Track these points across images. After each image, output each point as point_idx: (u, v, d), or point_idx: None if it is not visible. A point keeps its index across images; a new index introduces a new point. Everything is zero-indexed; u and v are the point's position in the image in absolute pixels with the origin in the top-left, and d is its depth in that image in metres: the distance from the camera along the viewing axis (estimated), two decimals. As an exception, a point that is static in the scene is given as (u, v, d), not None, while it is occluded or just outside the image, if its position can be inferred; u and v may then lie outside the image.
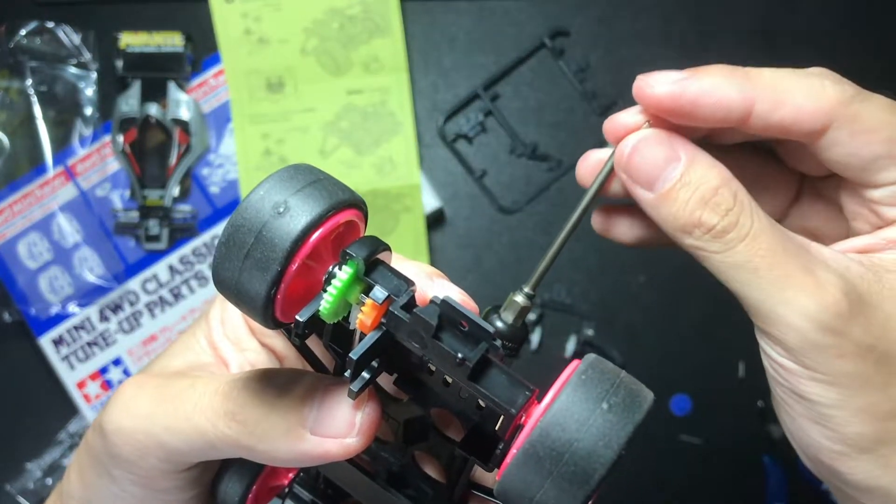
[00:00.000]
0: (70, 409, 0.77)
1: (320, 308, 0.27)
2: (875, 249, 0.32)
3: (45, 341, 0.76)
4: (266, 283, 0.26)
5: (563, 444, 0.24)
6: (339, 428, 0.29)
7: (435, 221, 0.78)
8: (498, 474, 0.27)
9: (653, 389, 0.31)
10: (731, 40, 0.79)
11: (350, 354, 0.26)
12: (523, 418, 0.27)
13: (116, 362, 0.76)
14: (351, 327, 0.28)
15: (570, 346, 0.77)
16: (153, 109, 0.75)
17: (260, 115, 0.77)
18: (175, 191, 0.76)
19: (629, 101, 0.35)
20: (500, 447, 0.28)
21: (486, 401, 0.27)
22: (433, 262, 0.77)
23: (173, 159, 0.76)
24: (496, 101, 0.79)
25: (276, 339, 0.35)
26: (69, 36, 0.77)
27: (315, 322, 0.28)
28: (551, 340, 0.78)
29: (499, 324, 0.32)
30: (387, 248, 0.28)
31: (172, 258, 0.77)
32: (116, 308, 0.77)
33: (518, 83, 0.79)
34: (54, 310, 0.76)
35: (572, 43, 0.79)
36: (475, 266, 0.78)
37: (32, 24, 0.77)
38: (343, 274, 0.27)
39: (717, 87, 0.34)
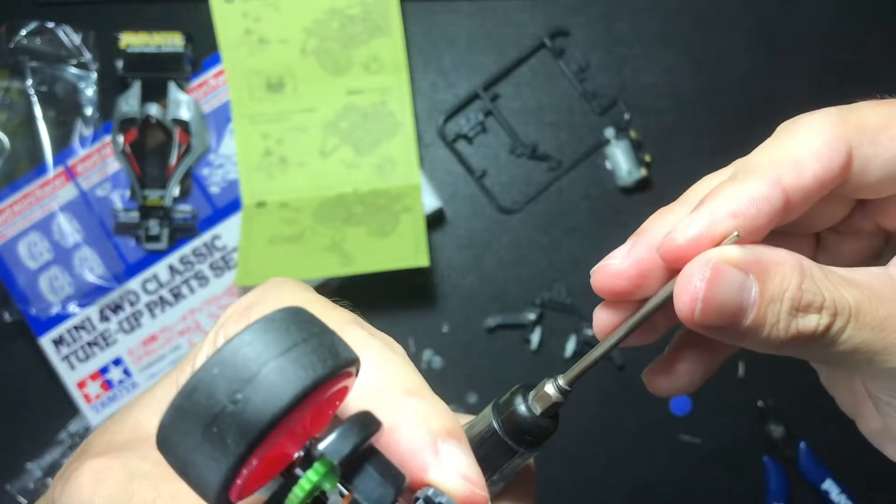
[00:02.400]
0: (70, 409, 0.77)
1: (286, 502, 0.22)
2: None
3: (46, 341, 0.76)
4: (221, 474, 0.21)
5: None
6: None
7: (435, 221, 0.78)
8: None
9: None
10: (732, 40, 0.79)
11: None
12: None
13: (117, 362, 0.76)
14: None
15: (570, 346, 0.77)
16: (153, 109, 0.76)
17: (260, 115, 0.77)
18: (175, 191, 0.76)
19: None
20: None
21: None
22: (433, 262, 0.77)
23: (173, 159, 0.76)
24: (496, 101, 0.79)
25: None
26: (69, 36, 0.77)
27: None
28: (551, 340, 0.78)
29: (522, 409, 0.30)
30: (379, 426, 0.23)
31: (173, 258, 0.77)
32: (117, 308, 0.77)
33: (518, 83, 0.79)
34: (55, 310, 0.76)
35: (572, 43, 0.79)
36: (475, 266, 0.78)
37: (33, 25, 0.77)
38: (311, 476, 0.22)
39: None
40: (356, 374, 0.24)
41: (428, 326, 0.78)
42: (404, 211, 0.75)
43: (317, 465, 0.22)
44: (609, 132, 0.77)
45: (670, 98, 0.79)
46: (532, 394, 0.30)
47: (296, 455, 0.23)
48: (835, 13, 0.79)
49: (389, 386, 0.26)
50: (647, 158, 0.77)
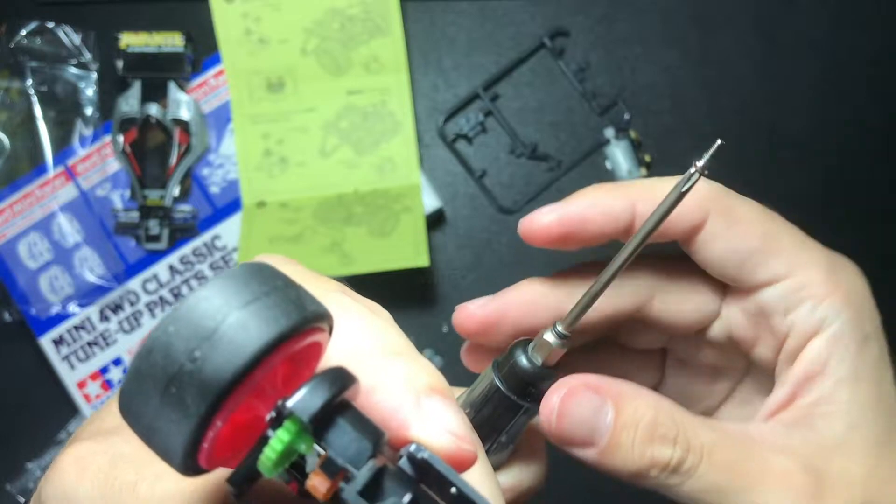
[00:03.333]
0: (70, 409, 0.77)
1: (258, 464, 0.21)
2: (792, 399, 0.31)
3: (46, 341, 0.76)
4: (184, 437, 0.19)
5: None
6: None
7: (435, 221, 0.78)
8: None
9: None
10: (732, 40, 0.79)
11: None
12: None
13: (117, 362, 0.77)
14: (307, 468, 0.21)
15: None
16: (153, 109, 0.76)
17: (260, 115, 0.77)
18: (175, 191, 0.76)
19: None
20: None
21: None
22: (433, 262, 0.77)
23: (173, 159, 0.76)
24: (496, 101, 0.79)
25: None
26: (69, 36, 0.77)
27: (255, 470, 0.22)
28: (551, 340, 0.78)
29: (523, 361, 0.29)
30: (353, 380, 0.22)
31: (173, 258, 0.77)
32: (117, 308, 0.77)
33: (518, 83, 0.79)
34: (55, 310, 0.76)
35: (572, 43, 0.79)
36: (475, 266, 0.78)
37: (33, 25, 0.77)
38: (281, 436, 0.20)
39: (599, 199, 0.33)
40: (329, 332, 0.22)
41: (428, 326, 0.78)
42: (404, 211, 0.75)
43: (286, 423, 0.20)
44: (609, 132, 0.77)
45: (670, 98, 0.79)
46: (531, 345, 0.30)
47: (267, 417, 0.21)
48: (835, 13, 0.79)
49: (371, 348, 0.25)
50: (647, 158, 0.77)
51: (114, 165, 0.77)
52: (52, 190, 0.76)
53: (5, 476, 0.77)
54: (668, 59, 0.79)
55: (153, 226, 0.76)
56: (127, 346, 0.77)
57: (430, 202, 0.76)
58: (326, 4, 0.77)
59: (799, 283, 0.32)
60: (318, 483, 0.21)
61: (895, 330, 0.82)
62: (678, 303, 0.34)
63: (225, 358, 0.19)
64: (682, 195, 0.29)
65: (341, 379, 0.21)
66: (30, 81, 0.77)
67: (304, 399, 0.20)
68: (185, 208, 0.77)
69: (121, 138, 0.76)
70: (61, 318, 0.76)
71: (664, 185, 0.32)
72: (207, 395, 0.19)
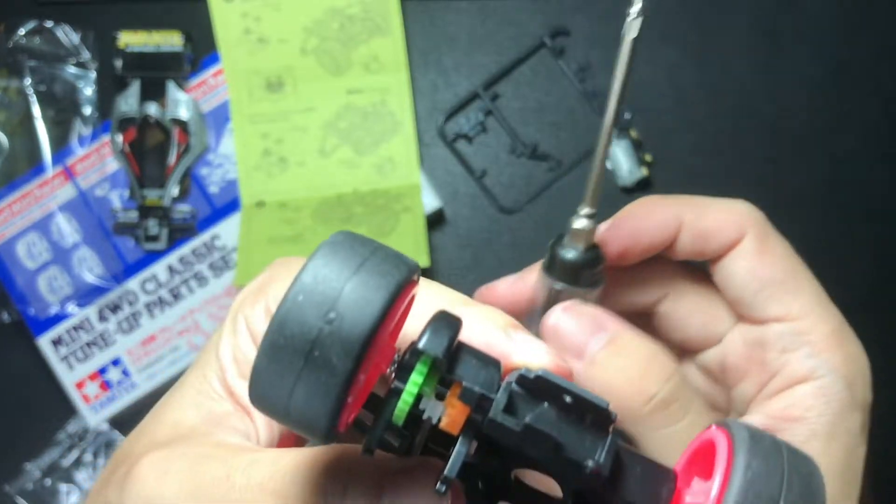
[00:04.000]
0: (69, 410, 0.77)
1: (392, 417, 0.22)
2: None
3: (44, 341, 0.76)
4: (334, 395, 0.20)
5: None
6: None
7: (435, 221, 0.78)
8: None
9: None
10: (732, 39, 0.79)
11: (446, 473, 0.21)
12: None
13: (115, 362, 0.76)
14: (424, 416, 0.23)
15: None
16: (152, 109, 0.75)
17: (259, 114, 0.77)
18: (174, 191, 0.76)
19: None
20: None
21: (640, 489, 0.22)
22: (433, 262, 0.77)
23: (172, 159, 0.76)
24: (496, 101, 0.78)
25: None
26: (68, 35, 0.77)
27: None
28: (551, 341, 0.77)
29: (570, 255, 0.31)
30: (461, 320, 0.23)
31: (172, 258, 0.76)
32: (115, 308, 0.76)
33: (518, 83, 0.79)
34: (53, 310, 0.76)
35: (573, 42, 0.79)
36: (475, 266, 0.78)
37: (31, 24, 0.76)
38: (416, 378, 0.22)
39: (651, 208, 0.35)
40: (418, 282, 0.23)
41: (428, 327, 0.77)
42: (404, 211, 0.74)
43: (419, 365, 0.22)
44: (609, 132, 0.77)
45: (671, 98, 0.79)
46: (565, 239, 0.31)
47: (390, 369, 0.22)
48: (835, 13, 0.79)
49: (448, 299, 0.28)
50: (648, 158, 0.77)
51: (112, 165, 0.77)
52: (50, 190, 0.76)
53: (3, 477, 0.76)
54: (669, 59, 0.79)
55: (152, 226, 0.76)
56: (126, 347, 0.76)
57: (430, 202, 0.76)
58: (326, 4, 0.77)
59: (805, 328, 0.32)
60: (455, 414, 0.22)
61: (892, 329, 0.81)
62: (687, 313, 0.34)
63: (359, 313, 0.20)
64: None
65: (454, 319, 0.23)
66: (28, 81, 0.76)
67: (431, 339, 0.22)
68: (183, 208, 0.76)
69: (119, 138, 0.76)
70: (60, 318, 0.76)
71: (711, 200, 0.34)
72: (351, 350, 0.20)
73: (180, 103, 0.76)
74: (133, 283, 0.76)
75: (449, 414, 0.22)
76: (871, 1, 0.80)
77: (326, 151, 0.78)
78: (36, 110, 0.76)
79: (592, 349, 0.30)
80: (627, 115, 0.78)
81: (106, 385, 0.76)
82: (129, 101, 0.76)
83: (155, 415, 0.31)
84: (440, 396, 0.22)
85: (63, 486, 0.76)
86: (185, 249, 0.77)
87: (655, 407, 0.29)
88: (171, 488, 0.26)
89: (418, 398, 0.22)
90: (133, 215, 0.76)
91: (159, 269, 0.77)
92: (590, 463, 0.22)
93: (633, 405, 0.30)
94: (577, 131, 0.79)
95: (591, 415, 0.22)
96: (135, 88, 0.76)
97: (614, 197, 0.78)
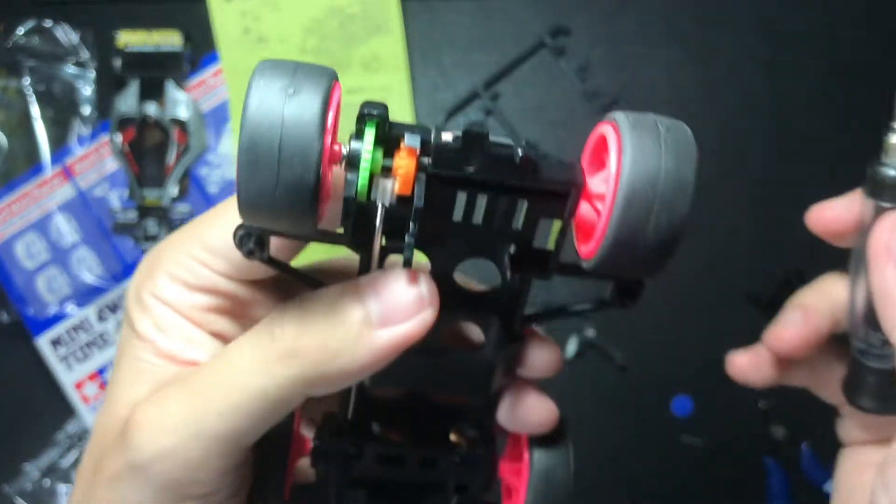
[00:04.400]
0: (68, 410, 0.77)
1: (358, 183, 0.25)
2: None
3: (43, 341, 0.76)
4: (310, 169, 0.23)
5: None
6: (408, 307, 0.27)
7: (435, 221, 0.78)
8: (589, 252, 0.26)
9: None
10: (733, 39, 0.79)
11: (415, 204, 0.25)
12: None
13: (114, 363, 0.76)
14: (378, 202, 0.25)
15: (571, 346, 0.77)
16: (151, 109, 0.75)
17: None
18: (173, 190, 0.76)
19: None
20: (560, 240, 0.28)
21: (549, 185, 0.27)
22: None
23: (171, 159, 0.76)
24: (496, 101, 0.78)
25: (221, 322, 0.31)
26: (67, 35, 0.77)
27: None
28: (552, 341, 0.77)
29: (892, 172, 0.32)
30: (384, 104, 0.26)
31: (171, 258, 0.76)
32: (115, 308, 0.76)
33: (518, 82, 0.79)
34: (52, 310, 0.76)
35: (573, 42, 0.79)
36: (475, 266, 0.78)
37: (30, 23, 0.76)
38: (368, 135, 0.25)
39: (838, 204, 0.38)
40: (339, 85, 0.26)
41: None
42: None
43: (366, 126, 0.25)
44: (610, 131, 0.77)
45: (671, 97, 0.78)
46: (883, 158, 0.33)
47: (345, 151, 0.25)
48: (835, 13, 0.79)
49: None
50: (649, 158, 0.77)
51: (112, 165, 0.76)
52: (49, 190, 0.76)
53: (2, 477, 0.76)
54: (670, 58, 0.79)
55: (151, 225, 0.76)
56: (125, 347, 0.76)
57: (430, 202, 0.76)
58: (326, 3, 0.76)
59: None
60: (404, 170, 0.25)
61: None
62: None
63: (305, 107, 0.23)
64: None
65: (379, 102, 0.25)
66: (27, 80, 0.76)
67: (367, 105, 0.25)
68: (183, 208, 0.76)
69: (119, 137, 0.75)
70: (59, 318, 0.76)
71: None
72: (310, 129, 0.23)
73: (179, 103, 0.76)
74: (132, 284, 0.76)
75: (399, 175, 0.25)
76: (870, 1, 0.79)
77: (326, 151, 0.77)
78: (35, 110, 0.76)
79: None
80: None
81: (105, 385, 0.76)
82: (128, 101, 0.75)
83: (106, 413, 0.32)
84: (387, 174, 0.25)
85: (62, 487, 0.76)
86: (185, 249, 0.76)
87: None
88: (171, 405, 0.28)
89: (371, 179, 0.25)
90: (132, 215, 0.76)
91: (158, 269, 0.76)
92: (519, 151, 0.26)
93: None
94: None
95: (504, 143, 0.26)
96: (134, 88, 0.76)
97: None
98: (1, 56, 0.76)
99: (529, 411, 0.32)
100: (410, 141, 0.25)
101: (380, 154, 0.25)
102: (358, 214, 0.26)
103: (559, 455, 0.33)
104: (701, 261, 0.78)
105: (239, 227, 0.27)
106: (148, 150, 0.76)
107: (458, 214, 0.27)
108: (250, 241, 0.27)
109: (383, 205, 0.25)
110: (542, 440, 0.32)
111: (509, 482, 0.34)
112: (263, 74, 0.24)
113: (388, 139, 0.25)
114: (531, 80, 0.79)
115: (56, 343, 0.76)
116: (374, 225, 0.27)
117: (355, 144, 0.25)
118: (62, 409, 0.77)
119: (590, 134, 0.29)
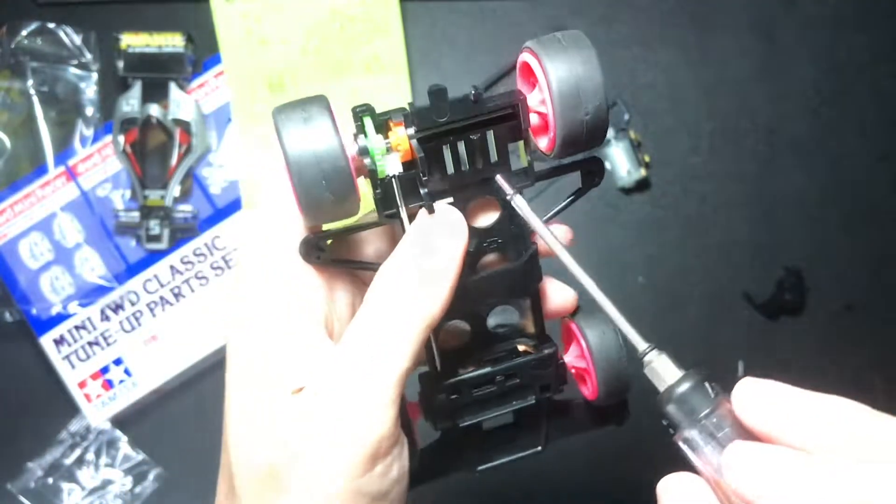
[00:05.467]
0: (71, 409, 0.77)
1: (378, 168, 0.33)
2: None
3: (46, 341, 0.76)
4: (345, 168, 0.32)
5: (570, 74, 0.36)
6: (449, 223, 0.34)
7: (435, 221, 0.78)
8: (549, 146, 0.36)
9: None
10: (731, 40, 0.80)
11: (418, 155, 0.33)
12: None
13: (117, 362, 0.77)
14: (390, 173, 0.34)
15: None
16: (154, 110, 0.76)
17: (261, 115, 0.78)
18: (176, 191, 0.77)
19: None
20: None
21: (502, 107, 0.35)
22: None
23: (174, 159, 0.76)
24: (496, 102, 0.79)
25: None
26: (70, 37, 0.77)
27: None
28: (551, 340, 0.78)
29: (670, 409, 0.32)
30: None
31: (173, 258, 0.77)
32: (117, 308, 0.77)
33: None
34: (55, 309, 0.76)
35: (572, 44, 0.79)
36: (475, 266, 0.78)
37: (33, 25, 0.77)
38: (369, 125, 0.34)
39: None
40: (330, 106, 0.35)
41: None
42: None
43: (364, 119, 0.34)
44: (609, 132, 0.77)
45: (670, 98, 0.79)
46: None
47: (358, 147, 0.34)
48: (835, 13, 0.80)
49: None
50: (647, 158, 0.78)
51: (114, 165, 0.77)
52: (52, 190, 0.76)
53: (6, 475, 0.77)
54: (668, 60, 0.79)
55: (154, 226, 0.76)
56: (128, 346, 0.77)
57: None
58: (327, 5, 0.77)
59: None
60: (402, 142, 0.34)
61: (891, 327, 0.81)
62: None
63: (325, 139, 0.32)
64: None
65: (365, 104, 0.35)
66: (30, 82, 0.77)
67: (359, 106, 0.35)
68: (185, 208, 0.77)
69: (121, 138, 0.76)
70: (62, 317, 0.76)
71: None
72: (334, 147, 0.32)
73: (182, 104, 0.76)
74: (135, 283, 0.77)
75: (398, 146, 0.33)
76: (869, 1, 0.80)
77: (327, 152, 0.78)
78: (38, 111, 0.77)
79: None
80: (626, 116, 0.78)
81: (108, 384, 0.77)
82: (130, 102, 0.76)
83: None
84: (389, 151, 0.33)
85: (65, 485, 0.77)
86: (187, 249, 0.77)
87: None
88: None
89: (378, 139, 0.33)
90: (135, 215, 0.76)
91: (161, 268, 0.77)
92: (471, 92, 0.34)
93: None
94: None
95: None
96: (136, 89, 0.76)
97: (613, 197, 0.78)
98: (4, 58, 0.77)
99: (557, 296, 0.40)
100: (396, 118, 0.34)
101: (380, 139, 0.33)
102: (382, 188, 0.34)
103: (605, 326, 0.40)
104: (698, 260, 0.79)
105: (301, 244, 0.34)
106: (150, 151, 0.77)
107: (450, 168, 0.35)
108: (313, 250, 0.34)
109: (396, 176, 0.34)
110: (587, 323, 0.40)
111: (578, 370, 0.41)
112: (282, 114, 0.32)
113: (381, 125, 0.34)
114: (530, 82, 0.79)
115: (59, 342, 0.76)
116: (395, 192, 0.34)
117: (362, 140, 0.33)
118: (65, 407, 0.77)
119: (516, 65, 0.38)
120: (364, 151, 0.33)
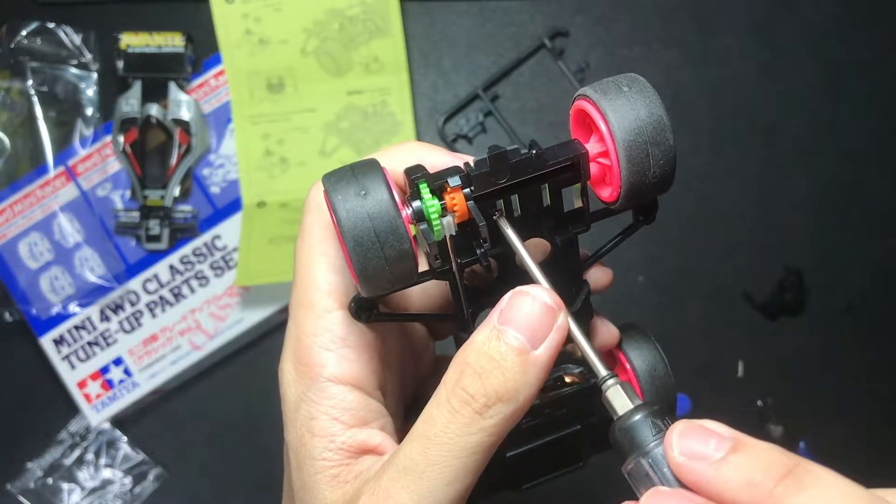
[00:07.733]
0: (71, 409, 0.77)
1: (434, 230, 0.32)
2: None
3: (46, 341, 0.76)
4: (405, 241, 0.30)
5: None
6: (544, 320, 0.30)
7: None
8: (611, 196, 0.33)
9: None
10: (731, 40, 0.80)
11: (478, 223, 0.31)
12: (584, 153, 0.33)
13: (117, 362, 0.77)
14: (446, 234, 0.32)
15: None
16: (154, 110, 0.76)
17: (260, 115, 0.78)
18: (176, 191, 0.77)
19: None
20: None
21: (561, 153, 0.32)
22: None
23: (174, 159, 0.76)
24: (496, 102, 0.79)
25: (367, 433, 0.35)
26: (70, 36, 0.77)
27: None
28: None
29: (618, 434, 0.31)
30: (421, 165, 0.34)
31: (173, 258, 0.77)
32: (117, 308, 0.77)
33: (518, 83, 0.79)
34: (55, 310, 0.76)
35: (572, 43, 0.79)
36: (475, 266, 0.78)
37: (33, 25, 0.77)
38: (426, 193, 0.31)
39: None
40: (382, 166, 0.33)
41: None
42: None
43: (419, 185, 0.32)
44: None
45: (670, 98, 0.79)
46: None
47: (410, 210, 0.32)
48: (835, 13, 0.80)
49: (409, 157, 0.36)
50: (647, 159, 0.77)
51: (114, 165, 0.77)
52: (52, 190, 0.76)
53: (6, 476, 0.77)
54: (668, 60, 0.79)
55: (154, 226, 0.76)
56: (127, 346, 0.77)
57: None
58: (326, 5, 0.77)
59: None
60: (458, 203, 0.32)
61: (891, 327, 0.81)
62: None
63: (379, 200, 0.30)
64: None
65: (418, 165, 0.33)
66: (30, 82, 0.77)
67: (413, 169, 0.32)
68: (185, 208, 0.77)
69: (121, 138, 0.76)
70: (62, 317, 0.76)
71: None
72: (389, 212, 0.30)
73: (182, 104, 0.76)
74: (134, 283, 0.77)
75: (455, 207, 0.31)
76: (869, 1, 0.80)
77: (327, 152, 0.78)
78: (38, 111, 0.77)
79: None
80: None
81: (108, 384, 0.77)
82: (130, 102, 0.76)
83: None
84: (444, 213, 0.32)
85: (65, 485, 0.77)
86: (187, 249, 0.77)
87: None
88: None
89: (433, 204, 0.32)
90: (135, 215, 0.76)
91: (161, 268, 0.77)
92: (533, 151, 0.32)
93: None
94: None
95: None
96: (136, 89, 0.76)
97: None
98: (4, 58, 0.77)
99: (604, 331, 0.40)
100: (454, 182, 0.32)
101: (436, 202, 0.32)
102: (437, 249, 0.33)
103: (651, 354, 0.40)
104: (698, 260, 0.79)
105: (351, 303, 0.34)
106: (150, 151, 0.77)
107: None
108: (363, 310, 0.34)
109: (451, 236, 0.32)
110: (633, 350, 0.40)
111: None
112: (335, 188, 0.30)
113: (435, 188, 0.32)
114: (530, 82, 0.79)
115: (59, 342, 0.76)
116: (448, 252, 0.33)
117: (417, 204, 0.32)
118: (65, 408, 0.77)
119: (570, 113, 0.34)
120: (419, 215, 0.32)
